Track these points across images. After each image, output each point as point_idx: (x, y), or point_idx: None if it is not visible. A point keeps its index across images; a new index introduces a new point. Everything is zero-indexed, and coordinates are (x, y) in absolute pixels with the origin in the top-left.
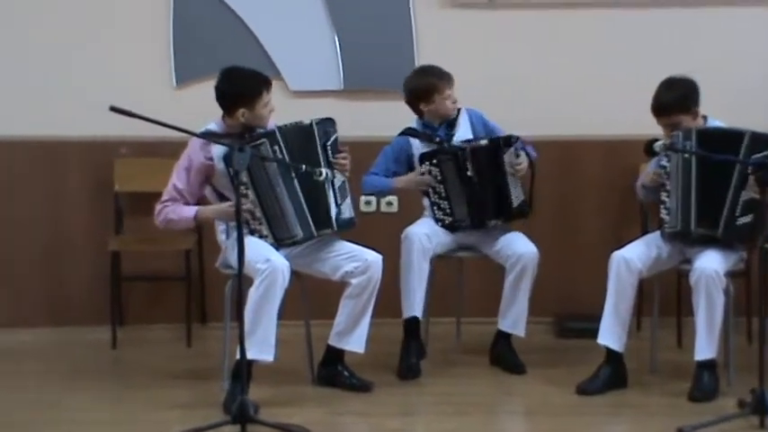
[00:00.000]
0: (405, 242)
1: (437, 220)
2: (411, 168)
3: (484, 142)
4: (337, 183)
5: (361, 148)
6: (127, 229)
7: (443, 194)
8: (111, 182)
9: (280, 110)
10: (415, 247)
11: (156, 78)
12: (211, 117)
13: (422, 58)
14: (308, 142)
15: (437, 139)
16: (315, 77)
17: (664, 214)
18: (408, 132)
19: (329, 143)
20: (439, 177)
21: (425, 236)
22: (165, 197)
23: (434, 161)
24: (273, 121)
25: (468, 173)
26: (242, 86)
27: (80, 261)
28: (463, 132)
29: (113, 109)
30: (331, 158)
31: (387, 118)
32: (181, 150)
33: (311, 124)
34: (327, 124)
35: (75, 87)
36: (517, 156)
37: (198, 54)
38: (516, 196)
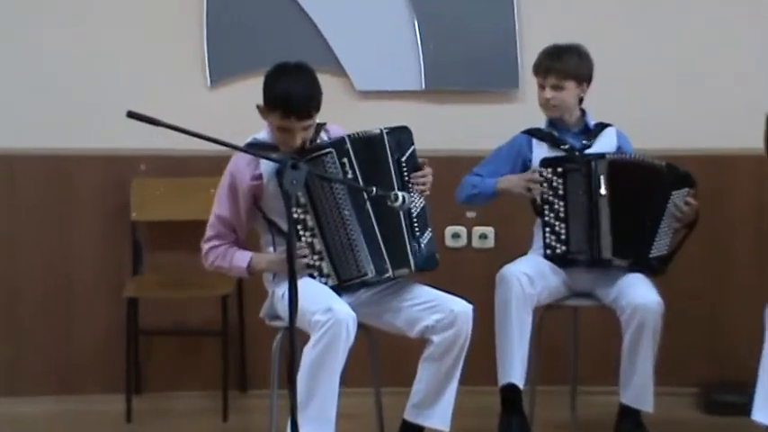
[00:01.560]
0: (500, 285)
1: (547, 248)
2: None
3: (660, 163)
4: (415, 210)
5: (445, 164)
6: (147, 268)
7: (562, 214)
8: (127, 207)
9: (342, 115)
10: (513, 292)
11: (185, 77)
12: (256, 124)
13: (526, 50)
14: (377, 157)
15: (566, 146)
16: (388, 75)
17: None
18: (531, 132)
19: (404, 158)
20: (561, 191)
21: (527, 277)
22: (209, 233)
23: (559, 169)
24: (341, 129)
25: (601, 191)
26: (267, 86)
27: (88, 310)
28: (604, 149)
29: (131, 115)
30: (406, 178)
31: (479, 126)
32: (217, 167)
33: (381, 134)
34: (402, 135)
35: (85, 89)
36: (686, 203)
37: (238, 46)
38: (659, 247)
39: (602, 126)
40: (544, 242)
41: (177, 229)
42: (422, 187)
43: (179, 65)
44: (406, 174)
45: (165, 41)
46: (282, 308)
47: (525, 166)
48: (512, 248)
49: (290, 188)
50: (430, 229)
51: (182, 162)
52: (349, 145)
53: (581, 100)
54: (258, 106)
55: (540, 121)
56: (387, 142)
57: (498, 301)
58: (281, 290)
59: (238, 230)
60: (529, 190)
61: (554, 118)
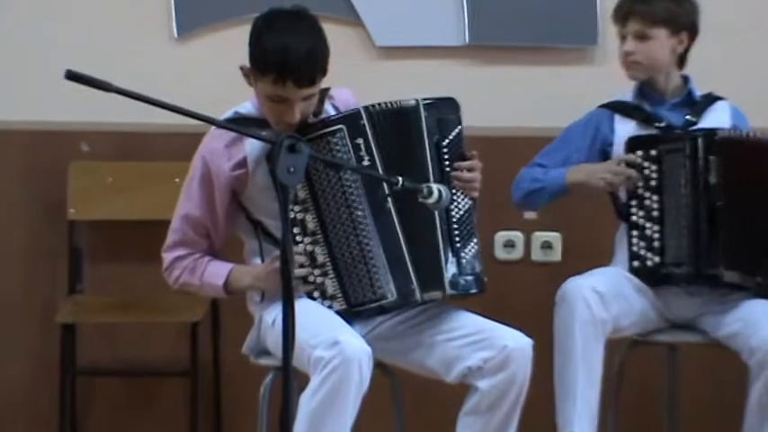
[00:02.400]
0: (561, 305)
1: (633, 259)
2: None
3: None
4: (457, 212)
5: (494, 146)
6: (89, 285)
7: (655, 213)
8: (63, 202)
9: (356, 79)
10: (576, 314)
11: (148, 27)
12: (238, 89)
13: None
14: (407, 138)
15: (662, 123)
16: (419, 26)
17: None
18: (613, 106)
19: (447, 142)
20: (654, 181)
21: (597, 296)
22: (172, 239)
23: (652, 152)
24: (351, 95)
25: (711, 179)
26: (255, 41)
27: (9, 341)
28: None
29: (71, 76)
30: (447, 169)
31: (543, 96)
32: (186, 147)
33: (416, 106)
34: (445, 109)
35: (7, 42)
36: None
37: None
38: None
39: (711, 99)
40: (630, 251)
41: (130, 233)
42: (467, 184)
43: (136, 10)
44: (447, 163)
45: None
46: (274, 340)
47: (605, 154)
48: (586, 262)
49: (287, 178)
50: (476, 240)
51: (138, 140)
52: (366, 120)
53: (682, 59)
54: (242, 68)
55: (626, 90)
56: (423, 118)
57: (557, 327)
58: (272, 315)
59: (213, 236)
60: (612, 182)
61: (640, 80)
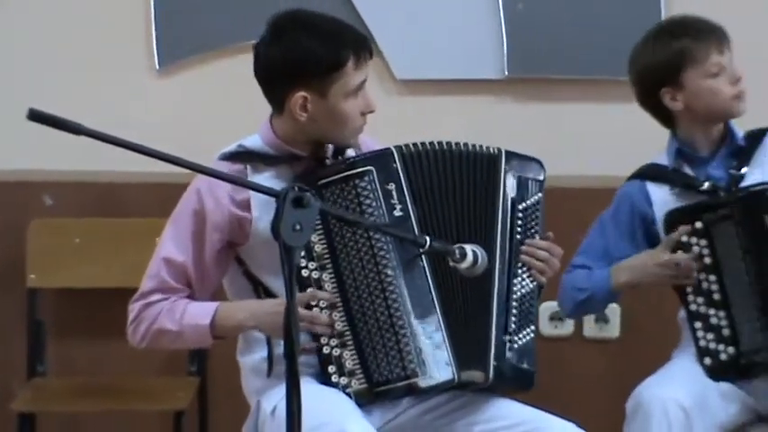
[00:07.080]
0: (634, 419)
1: (704, 356)
2: (654, 246)
3: None
4: (519, 289)
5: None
6: (52, 366)
7: (717, 296)
8: (21, 267)
9: (373, 118)
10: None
11: (126, 57)
12: (232, 125)
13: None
14: (470, 191)
15: (704, 185)
16: (447, 57)
17: None
18: (646, 174)
19: (523, 206)
20: (707, 258)
21: (682, 412)
22: (147, 286)
23: (697, 224)
24: (373, 138)
25: None
26: (307, 46)
27: None
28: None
29: (35, 116)
30: (519, 236)
31: (601, 136)
32: (167, 201)
33: (499, 155)
34: (528, 169)
35: None
36: None
37: (197, 15)
38: None
39: (756, 137)
40: (697, 347)
41: (102, 303)
42: (540, 264)
43: (111, 40)
44: (519, 233)
45: (93, 6)
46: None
47: (651, 235)
48: (649, 339)
49: (292, 238)
50: (533, 329)
51: (112, 193)
52: (399, 162)
53: None
54: (292, 102)
55: (660, 151)
56: (504, 171)
57: None
58: (272, 402)
59: (196, 286)
60: (662, 277)
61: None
